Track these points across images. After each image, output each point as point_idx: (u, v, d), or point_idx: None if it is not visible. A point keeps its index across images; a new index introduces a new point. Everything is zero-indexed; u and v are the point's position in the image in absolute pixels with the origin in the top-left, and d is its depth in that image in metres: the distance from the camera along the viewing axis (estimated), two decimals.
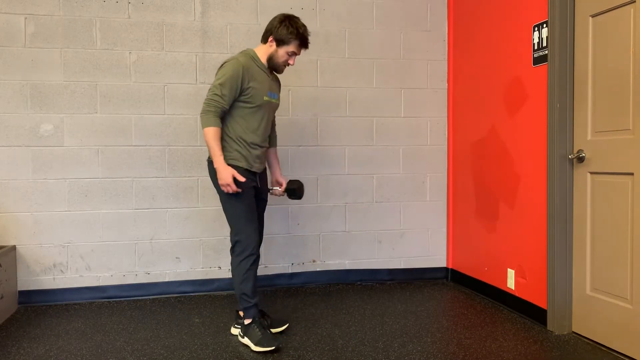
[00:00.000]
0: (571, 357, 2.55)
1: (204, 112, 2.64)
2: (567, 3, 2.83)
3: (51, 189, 3.54)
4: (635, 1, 2.46)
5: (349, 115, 3.98)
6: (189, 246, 3.75)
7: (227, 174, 2.60)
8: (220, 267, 3.79)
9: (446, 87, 4.11)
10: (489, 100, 3.54)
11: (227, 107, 2.67)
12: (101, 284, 3.62)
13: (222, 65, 2.72)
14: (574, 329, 2.89)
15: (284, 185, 2.99)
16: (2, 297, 3.17)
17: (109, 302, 3.58)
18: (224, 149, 2.73)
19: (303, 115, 3.89)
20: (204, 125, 2.63)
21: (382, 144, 4.03)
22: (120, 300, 3.61)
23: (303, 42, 2.75)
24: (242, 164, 2.73)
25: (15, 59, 3.47)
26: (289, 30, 2.68)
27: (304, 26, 2.74)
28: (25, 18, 3.48)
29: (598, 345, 2.70)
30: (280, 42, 2.71)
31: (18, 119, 3.49)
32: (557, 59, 2.85)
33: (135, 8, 3.62)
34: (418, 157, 4.09)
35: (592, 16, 2.72)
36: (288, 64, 2.79)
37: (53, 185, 3.54)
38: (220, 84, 2.63)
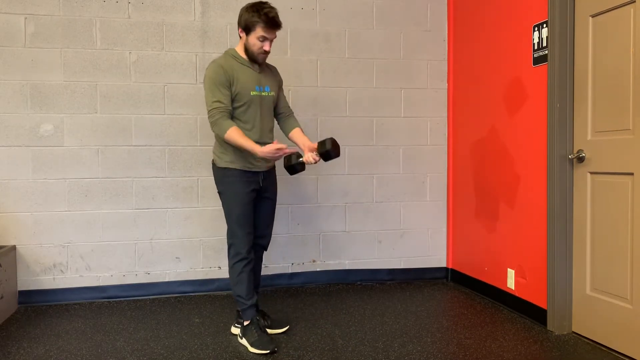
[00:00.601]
0: (571, 357, 2.55)
1: (213, 125, 2.61)
2: (567, 3, 2.83)
3: (51, 189, 3.54)
4: (635, 1, 2.46)
5: (349, 115, 3.98)
6: (189, 246, 3.75)
7: (270, 155, 2.53)
8: (220, 267, 3.79)
9: (446, 87, 4.11)
10: (489, 100, 3.54)
11: (230, 107, 2.64)
12: (101, 284, 3.62)
13: (204, 76, 2.68)
14: (574, 329, 2.89)
15: (312, 148, 2.70)
16: (2, 297, 3.17)
17: (109, 302, 3.58)
18: (221, 152, 2.72)
19: (303, 115, 3.89)
20: (221, 134, 2.59)
21: (382, 144, 4.03)
22: (120, 300, 3.61)
23: (269, 23, 2.58)
24: (237, 165, 2.70)
25: (15, 59, 3.47)
26: (251, 15, 2.59)
27: (270, 7, 2.60)
28: (25, 18, 3.48)
29: (598, 345, 2.70)
30: (247, 30, 2.63)
31: (18, 119, 3.49)
32: (557, 59, 2.85)
33: (135, 8, 3.62)
34: (418, 157, 4.09)
35: (592, 16, 2.72)
36: (265, 51, 2.66)
37: (53, 185, 3.54)
38: (210, 92, 2.62)
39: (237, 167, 2.70)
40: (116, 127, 3.62)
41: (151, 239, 3.69)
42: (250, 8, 2.62)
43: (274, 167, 2.91)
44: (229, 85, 2.63)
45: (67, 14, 3.53)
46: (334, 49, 3.93)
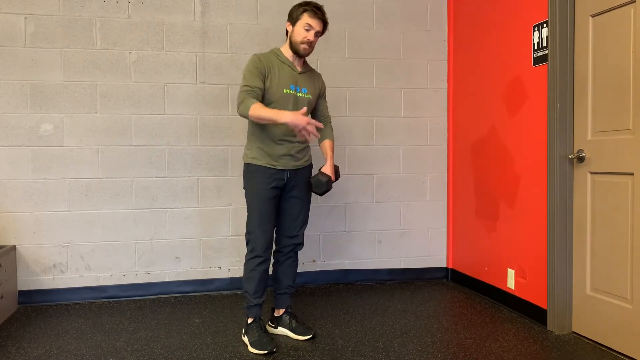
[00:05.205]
0: (571, 357, 2.56)
1: (238, 106, 2.59)
2: (567, 3, 2.83)
3: (51, 189, 3.54)
4: (635, 1, 2.46)
5: (349, 115, 3.98)
6: (189, 246, 3.75)
7: (295, 119, 2.44)
8: (220, 267, 3.79)
9: (446, 87, 4.11)
10: (489, 100, 3.54)
11: (260, 91, 2.62)
12: (101, 284, 3.62)
13: None
14: (574, 329, 2.89)
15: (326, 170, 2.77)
16: (2, 297, 3.17)
17: (109, 302, 3.58)
18: (248, 149, 2.73)
19: None
20: (245, 112, 2.54)
21: (382, 144, 4.03)
22: (120, 300, 3.61)
23: (314, 11, 2.65)
24: (262, 162, 2.68)
25: (15, 59, 3.47)
26: (298, 6, 2.69)
27: (317, 3, 2.70)
28: (25, 18, 3.48)
29: (598, 345, 2.70)
30: (294, 21, 2.70)
31: (18, 119, 3.49)
32: (557, 59, 2.85)
33: (135, 8, 3.62)
34: (418, 157, 4.09)
35: (592, 16, 2.72)
36: (309, 42, 2.67)
37: (53, 185, 3.54)
38: (243, 78, 2.64)
39: (259, 164, 2.69)
40: (116, 127, 3.62)
41: (151, 239, 3.69)
42: (299, 3, 2.72)
43: (305, 167, 2.82)
44: (263, 77, 2.64)
45: (67, 13, 3.53)
46: (334, 49, 3.93)
